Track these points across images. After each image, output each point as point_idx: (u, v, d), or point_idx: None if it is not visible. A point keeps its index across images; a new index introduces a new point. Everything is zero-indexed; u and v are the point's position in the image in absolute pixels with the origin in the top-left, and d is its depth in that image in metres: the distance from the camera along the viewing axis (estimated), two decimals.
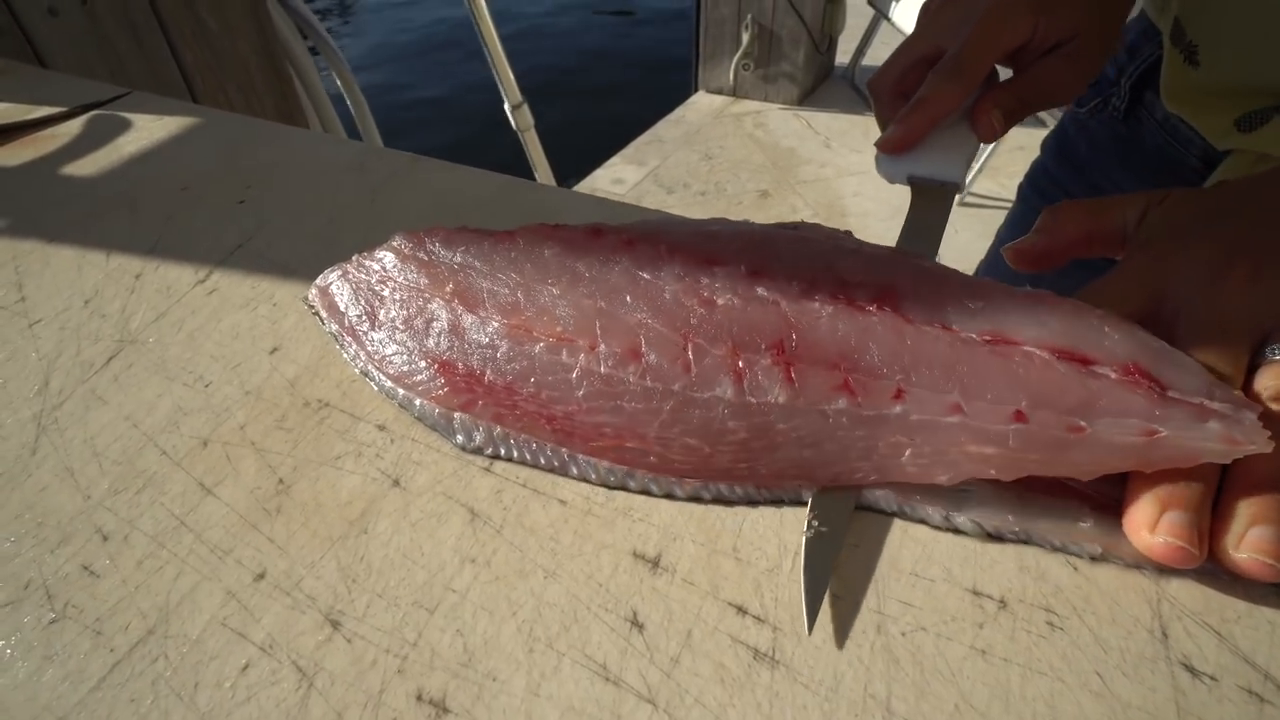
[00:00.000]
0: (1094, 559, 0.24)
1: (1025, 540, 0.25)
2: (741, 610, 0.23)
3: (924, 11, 0.40)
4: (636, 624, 0.23)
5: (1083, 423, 0.23)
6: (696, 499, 0.26)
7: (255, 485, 0.28)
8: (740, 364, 0.26)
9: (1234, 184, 0.30)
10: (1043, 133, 0.63)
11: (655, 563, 0.25)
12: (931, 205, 0.35)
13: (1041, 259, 0.32)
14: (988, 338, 0.25)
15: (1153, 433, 0.23)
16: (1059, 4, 0.36)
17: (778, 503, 0.26)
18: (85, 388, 0.32)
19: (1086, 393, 0.24)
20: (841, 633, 0.22)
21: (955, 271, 0.29)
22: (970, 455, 0.24)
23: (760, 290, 0.28)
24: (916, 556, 0.24)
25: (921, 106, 0.36)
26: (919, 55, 0.38)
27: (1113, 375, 0.24)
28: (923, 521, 0.25)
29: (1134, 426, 0.23)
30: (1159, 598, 0.23)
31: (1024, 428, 0.24)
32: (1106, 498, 0.25)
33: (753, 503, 0.26)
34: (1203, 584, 0.23)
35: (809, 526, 0.25)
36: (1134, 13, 0.53)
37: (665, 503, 0.27)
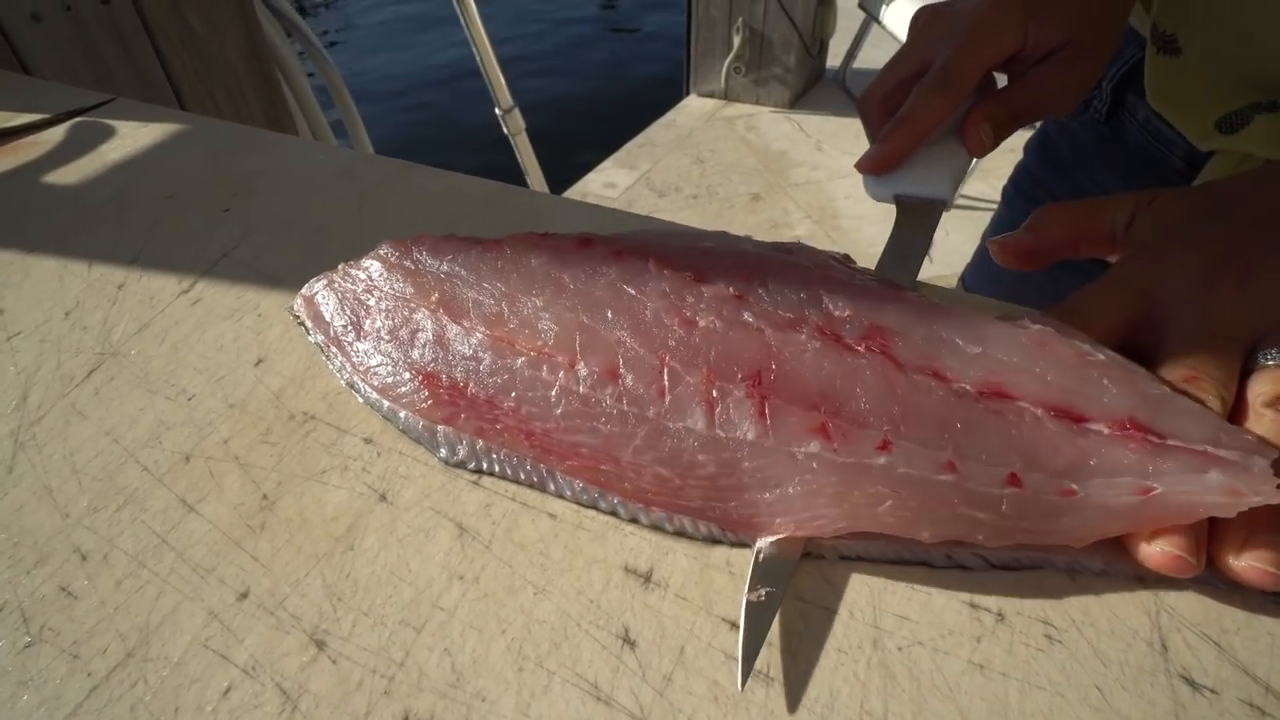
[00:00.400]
0: (1098, 574, 0.24)
1: (1034, 566, 0.24)
2: (735, 626, 0.23)
3: (913, 24, 0.39)
4: (628, 641, 0.22)
5: (1073, 485, 0.22)
6: (659, 528, 0.26)
7: (239, 501, 0.27)
8: (714, 393, 0.25)
9: (1222, 184, 0.30)
10: (1029, 134, 0.63)
11: (647, 578, 0.24)
12: (917, 223, 0.34)
13: (1027, 257, 0.32)
14: (983, 389, 0.24)
15: (1147, 490, 0.22)
16: (1051, 12, 0.35)
17: (742, 545, 0.25)
18: (65, 402, 0.31)
19: (1077, 452, 0.23)
20: (838, 648, 0.22)
21: (951, 308, 0.28)
22: (960, 517, 0.23)
23: (744, 315, 0.27)
24: (912, 570, 0.24)
25: (905, 123, 0.35)
26: (908, 71, 0.37)
27: (1106, 432, 0.23)
28: (925, 564, 0.24)
29: (1127, 485, 0.22)
30: (1158, 609, 0.23)
31: (1018, 492, 0.22)
32: None
33: (714, 541, 0.25)
34: (1201, 594, 0.23)
35: (750, 588, 0.23)
36: None
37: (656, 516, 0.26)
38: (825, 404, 0.25)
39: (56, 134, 0.52)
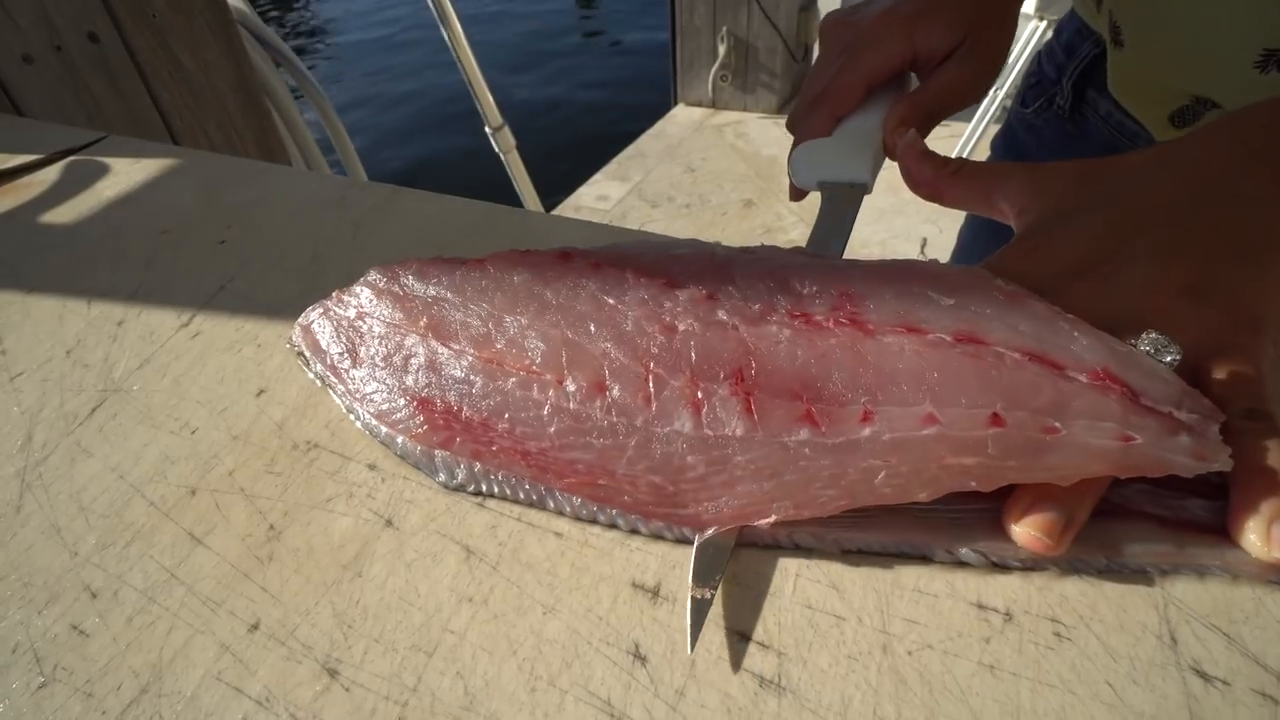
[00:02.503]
0: (1100, 572, 0.24)
1: (1031, 567, 0.24)
2: (744, 637, 0.23)
3: (820, 33, 0.41)
4: (639, 656, 0.23)
5: (1057, 424, 0.23)
6: (659, 537, 0.26)
7: (246, 533, 0.27)
8: (699, 394, 0.26)
9: (1115, 164, 0.30)
10: (997, 128, 0.64)
11: (655, 592, 0.24)
12: (840, 207, 0.36)
13: (929, 192, 0.34)
14: (959, 336, 0.25)
15: (1129, 439, 0.22)
16: (938, 18, 0.37)
17: (749, 545, 0.26)
18: (69, 440, 0.31)
19: (1059, 394, 0.23)
20: (848, 654, 0.22)
21: (922, 266, 0.28)
22: (949, 469, 0.23)
23: (719, 314, 0.28)
24: (919, 573, 0.24)
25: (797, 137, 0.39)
26: (811, 95, 0.40)
27: (1084, 379, 0.23)
28: (925, 559, 0.24)
29: (1110, 430, 0.22)
30: (1165, 602, 0.23)
31: (1002, 432, 0.23)
32: (1103, 504, 0.25)
33: (682, 541, 0.26)
34: (1209, 585, 0.23)
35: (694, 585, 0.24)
36: (1065, 12, 0.54)
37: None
38: (806, 392, 0.25)
39: (51, 173, 0.53)
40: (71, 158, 0.55)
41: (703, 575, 0.24)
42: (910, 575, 0.24)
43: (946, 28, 0.37)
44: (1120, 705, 0.20)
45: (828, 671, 0.22)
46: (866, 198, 0.38)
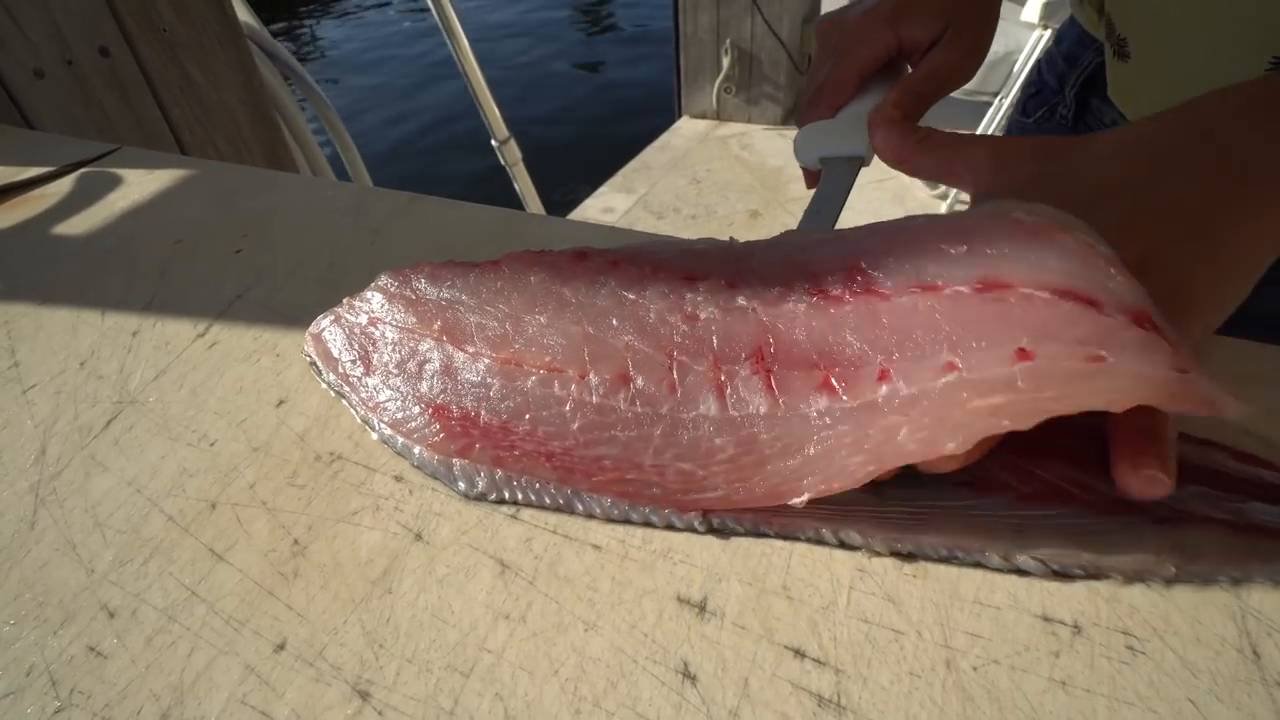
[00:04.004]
0: (1169, 582, 0.23)
1: (1094, 575, 0.23)
2: (799, 654, 0.22)
3: (817, 34, 0.44)
4: (688, 675, 0.21)
5: (1103, 352, 0.21)
6: (691, 530, 0.25)
7: (269, 548, 0.26)
8: (722, 377, 0.26)
9: (1079, 146, 0.29)
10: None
11: (702, 607, 0.23)
12: (838, 180, 0.39)
13: (896, 160, 0.35)
14: (980, 284, 0.23)
15: (1184, 369, 0.21)
16: (919, 10, 0.39)
17: (790, 538, 0.25)
18: (84, 454, 0.30)
19: (1099, 326, 0.21)
20: (910, 671, 0.21)
21: (938, 217, 0.27)
22: (976, 412, 0.22)
23: (739, 300, 0.27)
24: (978, 584, 0.23)
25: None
26: (810, 91, 0.42)
27: (1122, 318, 0.22)
28: (979, 565, 0.23)
29: (1164, 361, 0.21)
30: (1243, 613, 0.22)
31: (1031, 365, 0.21)
32: (1165, 510, 0.24)
33: (759, 534, 0.25)
34: None
35: None
36: (1065, 19, 0.53)
37: (706, 541, 0.25)
38: (824, 360, 0.25)
39: (63, 186, 0.52)
40: (84, 170, 0.54)
41: None
42: (969, 586, 0.23)
43: (927, 18, 0.40)
44: None
45: (889, 689, 0.21)
46: (873, 206, 0.40)
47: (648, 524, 0.26)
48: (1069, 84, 0.51)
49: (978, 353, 0.22)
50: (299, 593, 0.24)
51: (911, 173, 0.35)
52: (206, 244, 0.44)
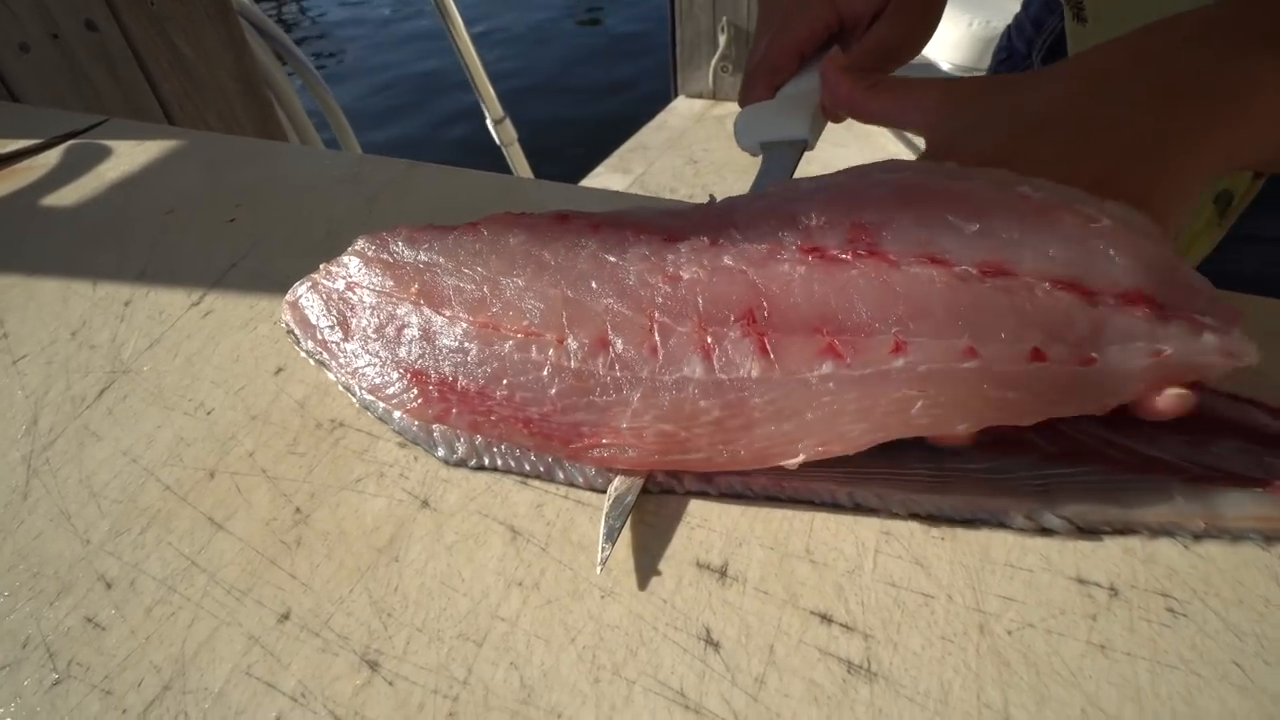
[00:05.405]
0: (1197, 536, 0.22)
1: (1121, 530, 0.22)
2: (826, 618, 0.21)
3: (760, 6, 0.43)
4: (711, 642, 0.20)
5: (1093, 353, 0.21)
6: (669, 491, 0.25)
7: (270, 516, 0.25)
8: (708, 339, 0.25)
9: (1026, 81, 0.29)
10: None
11: (722, 572, 0.22)
12: (780, 164, 0.37)
13: (848, 106, 0.34)
14: (986, 269, 0.23)
15: (1159, 354, 0.21)
16: None
17: (739, 498, 0.24)
18: (77, 424, 0.29)
19: (1090, 322, 0.22)
20: (941, 635, 0.20)
21: (938, 173, 0.26)
22: (991, 401, 0.22)
23: (725, 259, 0.26)
24: (1009, 546, 0.22)
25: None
26: (749, 67, 0.41)
27: (1112, 302, 0.22)
28: (1002, 526, 0.23)
29: (1142, 350, 0.21)
30: None
31: (1043, 367, 0.21)
32: (1193, 467, 0.23)
33: (736, 496, 0.25)
34: None
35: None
36: None
37: (725, 506, 0.24)
38: (826, 325, 0.24)
39: (52, 157, 0.51)
40: (72, 141, 0.53)
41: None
42: (1000, 549, 0.22)
43: None
44: (1252, 687, 0.18)
45: (921, 655, 0.20)
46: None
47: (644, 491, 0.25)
48: (1035, 49, 0.50)
49: (997, 345, 0.22)
50: (302, 561, 0.24)
51: (864, 118, 0.34)
52: (199, 213, 0.42)
